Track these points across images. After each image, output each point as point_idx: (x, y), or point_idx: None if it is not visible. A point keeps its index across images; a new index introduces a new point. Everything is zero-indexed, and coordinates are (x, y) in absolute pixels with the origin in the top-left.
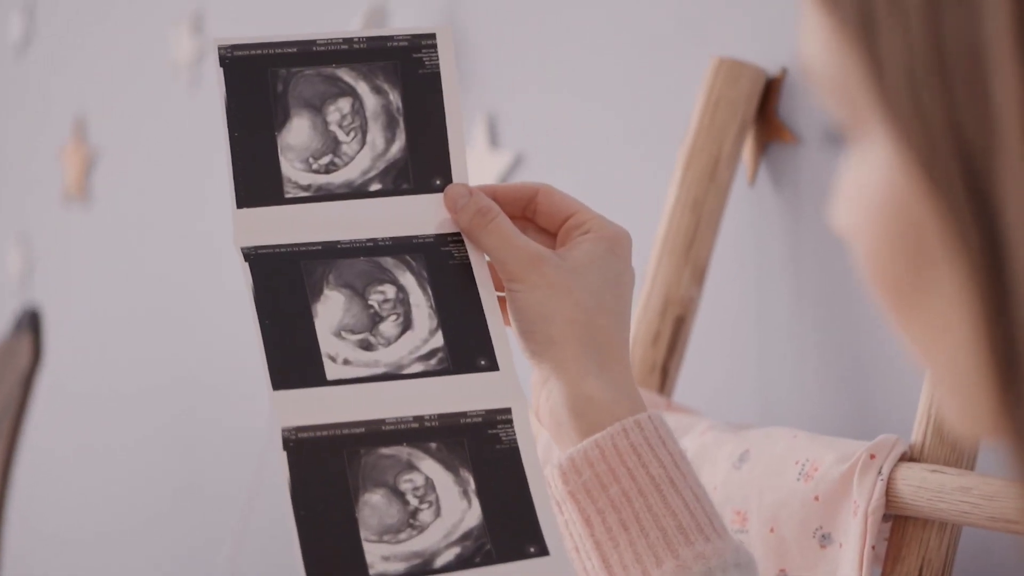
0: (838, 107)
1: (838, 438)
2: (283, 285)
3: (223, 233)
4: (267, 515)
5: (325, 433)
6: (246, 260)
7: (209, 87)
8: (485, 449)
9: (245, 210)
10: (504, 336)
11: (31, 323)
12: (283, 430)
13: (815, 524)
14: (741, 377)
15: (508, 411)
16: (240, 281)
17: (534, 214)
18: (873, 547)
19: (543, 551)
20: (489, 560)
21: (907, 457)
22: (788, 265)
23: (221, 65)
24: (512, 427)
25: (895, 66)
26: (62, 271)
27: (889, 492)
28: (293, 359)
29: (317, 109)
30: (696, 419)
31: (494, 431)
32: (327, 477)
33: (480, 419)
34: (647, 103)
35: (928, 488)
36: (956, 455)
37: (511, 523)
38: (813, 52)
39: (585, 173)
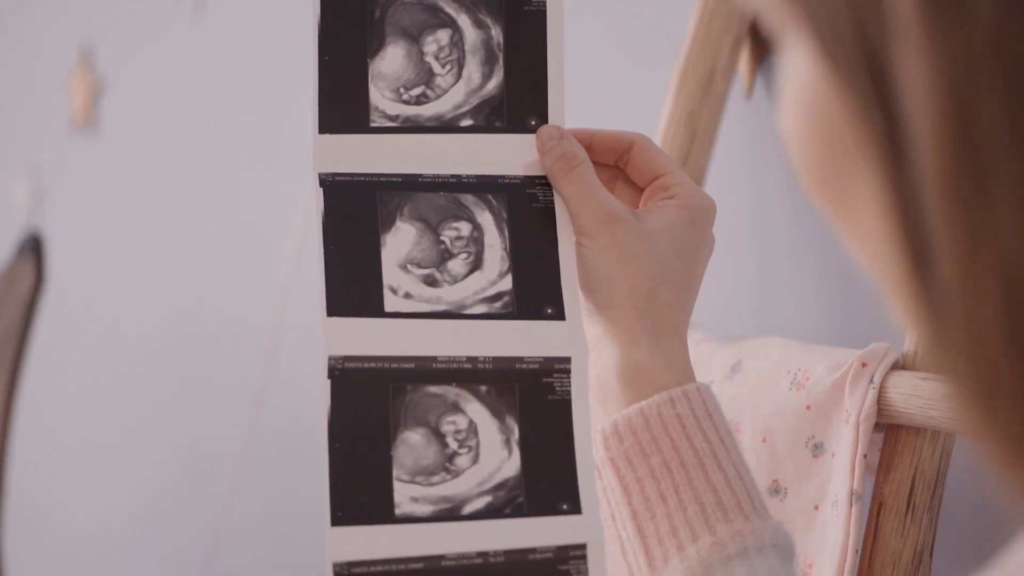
0: (767, 13)
1: (831, 347)
2: (355, 213)
3: (230, 164)
4: (262, 472)
5: (373, 365)
6: (321, 186)
7: (215, 13)
8: (537, 398)
9: (327, 136)
10: (576, 286)
11: (33, 248)
12: (330, 358)
13: (807, 433)
14: (738, 289)
15: (567, 360)
16: (311, 208)
17: (626, 166)
18: (865, 456)
19: (576, 509)
20: (519, 513)
21: (899, 365)
22: (784, 177)
23: None
24: (568, 378)
25: None
26: (70, 201)
27: (881, 400)
28: (352, 287)
29: (414, 38)
30: (692, 331)
31: (549, 380)
32: (368, 410)
33: (537, 366)
34: (643, 15)
35: (920, 396)
36: None
37: (548, 477)
38: None
39: (581, 87)
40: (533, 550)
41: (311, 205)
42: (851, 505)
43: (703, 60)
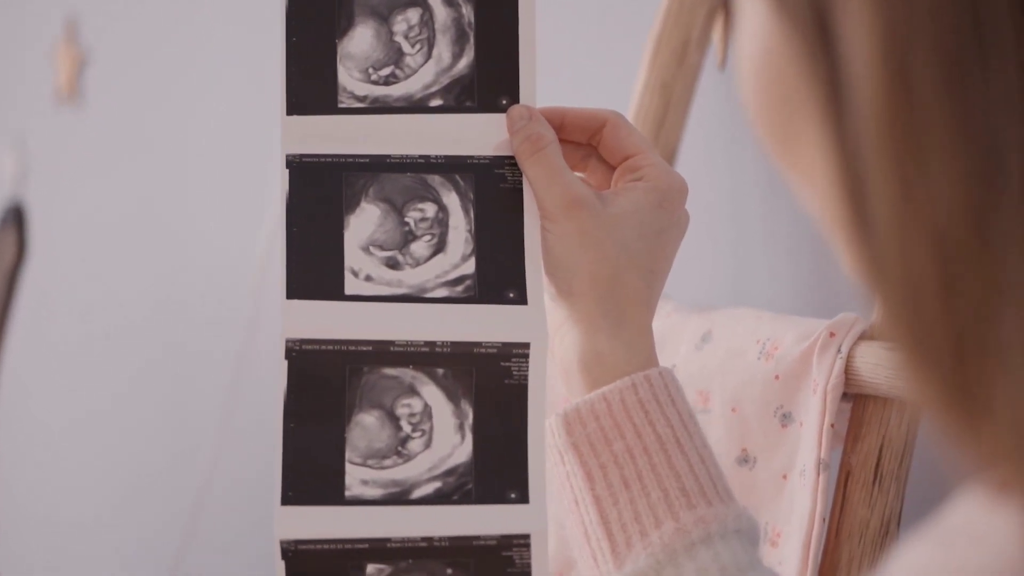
0: None
1: (800, 317)
2: (320, 195)
3: (213, 135)
4: (244, 435)
5: (330, 348)
6: (288, 167)
7: None
8: (493, 382)
9: (295, 117)
10: (540, 270)
11: (15, 219)
12: (287, 340)
13: (776, 403)
14: (712, 260)
15: (526, 346)
16: (277, 189)
17: (599, 144)
18: (833, 425)
19: (523, 499)
20: (467, 500)
21: (867, 336)
22: (758, 149)
23: None
24: (527, 363)
25: None
26: (54, 172)
27: (848, 370)
28: (313, 270)
29: (383, 18)
30: (662, 302)
31: (507, 364)
32: (324, 392)
33: (495, 351)
34: None
35: (887, 366)
36: None
37: (499, 464)
38: None
39: (554, 58)
40: (477, 537)
41: None
42: (819, 474)
43: (677, 30)
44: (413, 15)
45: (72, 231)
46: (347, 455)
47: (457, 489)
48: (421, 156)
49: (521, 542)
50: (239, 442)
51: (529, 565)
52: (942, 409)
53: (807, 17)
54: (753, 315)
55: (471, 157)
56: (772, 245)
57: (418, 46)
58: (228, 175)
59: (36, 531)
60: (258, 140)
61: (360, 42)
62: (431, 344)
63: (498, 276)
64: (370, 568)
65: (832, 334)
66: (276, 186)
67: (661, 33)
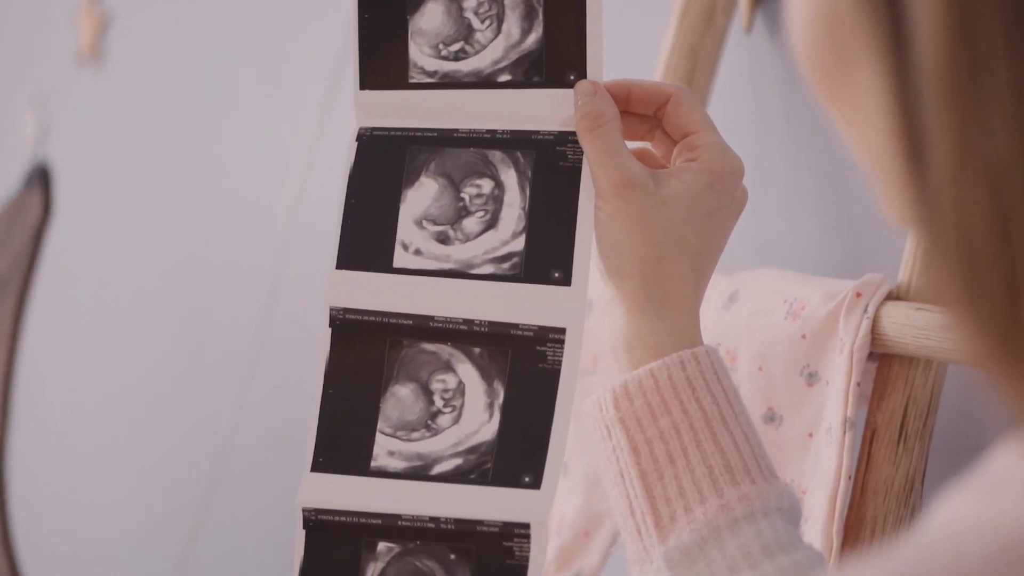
0: None
1: (826, 278)
2: (382, 168)
3: (235, 99)
4: (263, 398)
5: (372, 319)
6: (357, 140)
7: None
8: (527, 364)
9: (368, 92)
10: (589, 251)
11: (41, 178)
12: (331, 308)
13: (802, 362)
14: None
15: (562, 331)
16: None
17: (662, 119)
18: (859, 384)
19: (536, 484)
20: (483, 480)
21: (893, 296)
22: (783, 112)
23: None
24: (561, 348)
25: None
26: (76, 133)
27: (875, 330)
28: (365, 241)
29: None
30: None
31: (542, 348)
32: (364, 362)
33: (531, 334)
34: None
35: (913, 326)
36: None
37: (520, 447)
38: None
39: None
40: (481, 522)
41: (315, 137)
42: (844, 433)
43: None
44: None
45: (94, 192)
46: (379, 425)
47: (476, 467)
48: (488, 131)
49: (522, 532)
50: (256, 416)
51: (527, 558)
52: (993, 360)
53: None
54: (779, 276)
55: (537, 132)
56: (795, 207)
57: (488, 22)
58: (250, 140)
59: (55, 511)
60: (281, 104)
61: (431, 18)
62: (469, 322)
63: (545, 254)
64: (380, 545)
65: (859, 294)
66: (299, 152)
67: None
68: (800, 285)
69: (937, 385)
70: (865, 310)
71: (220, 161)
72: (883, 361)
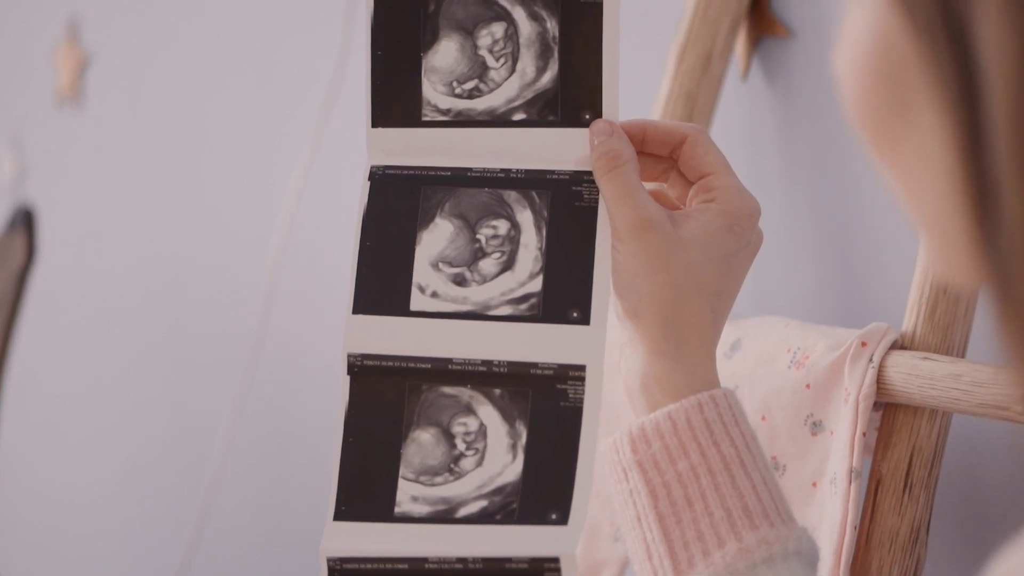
0: None
1: (830, 326)
2: (396, 209)
3: (215, 137)
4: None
5: (391, 364)
6: (370, 179)
7: None
8: (549, 403)
9: (380, 130)
10: (607, 290)
11: (25, 221)
12: (349, 355)
13: (806, 412)
14: None
15: (582, 368)
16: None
17: (678, 160)
18: (864, 434)
19: (563, 520)
20: (509, 520)
21: (898, 345)
22: (781, 158)
23: None
24: (583, 386)
25: None
26: (55, 174)
27: (880, 379)
28: (381, 285)
29: (468, 32)
30: None
31: (563, 386)
32: (384, 408)
33: (551, 372)
34: None
35: (919, 375)
36: (947, 343)
37: (546, 485)
38: None
39: None
40: (510, 559)
41: (304, 168)
42: (850, 482)
43: (701, 40)
44: (498, 29)
45: (74, 233)
46: (401, 471)
47: (502, 508)
48: (502, 170)
49: (552, 566)
50: (249, 434)
51: None
52: None
53: (935, 14)
54: (782, 324)
55: (552, 172)
56: (793, 254)
57: (502, 60)
58: (233, 179)
59: (43, 513)
60: (262, 144)
61: (445, 56)
62: (488, 363)
63: (563, 295)
64: None
65: (864, 343)
66: (285, 191)
67: (686, 42)
68: (804, 334)
69: (942, 435)
70: (870, 359)
71: (203, 200)
72: (888, 410)
